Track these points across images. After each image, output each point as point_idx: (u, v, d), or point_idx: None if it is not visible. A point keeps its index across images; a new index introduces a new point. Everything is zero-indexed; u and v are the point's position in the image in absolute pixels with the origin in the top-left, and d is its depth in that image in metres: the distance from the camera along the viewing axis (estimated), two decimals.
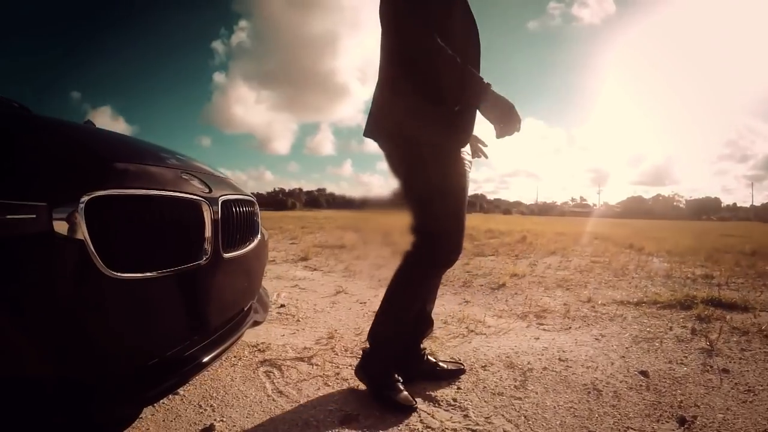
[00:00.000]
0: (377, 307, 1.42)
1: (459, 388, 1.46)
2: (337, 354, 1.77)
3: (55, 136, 1.04)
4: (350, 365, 1.60)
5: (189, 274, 1.00)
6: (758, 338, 2.01)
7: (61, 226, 0.75)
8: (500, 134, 1.27)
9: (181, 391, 1.38)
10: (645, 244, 6.81)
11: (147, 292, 0.90)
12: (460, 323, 2.25)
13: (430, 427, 1.22)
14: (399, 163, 1.33)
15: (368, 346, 1.42)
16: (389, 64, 1.31)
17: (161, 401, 1.30)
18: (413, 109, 1.26)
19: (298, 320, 2.30)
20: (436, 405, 1.35)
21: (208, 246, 1.06)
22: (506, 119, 1.24)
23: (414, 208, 1.32)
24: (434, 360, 1.56)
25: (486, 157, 1.55)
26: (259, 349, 1.79)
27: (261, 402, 1.36)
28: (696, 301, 2.62)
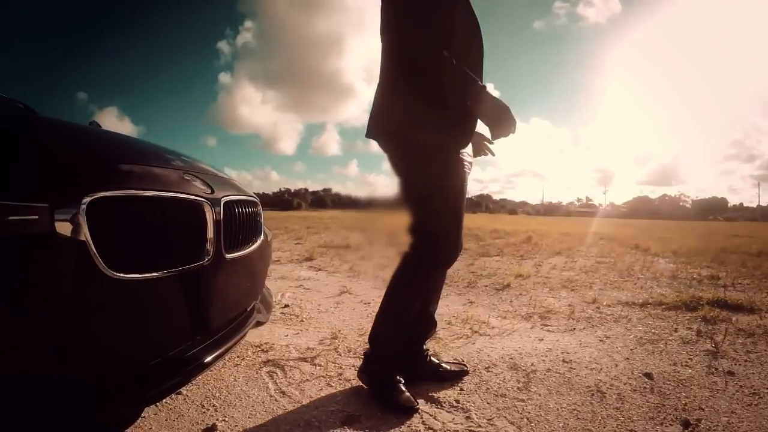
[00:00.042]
0: None
1: (462, 390, 1.46)
2: (340, 354, 1.77)
3: (57, 138, 1.05)
4: (353, 366, 1.60)
5: (191, 274, 1.01)
6: (764, 340, 1.99)
7: (63, 227, 0.75)
8: (495, 136, 1.27)
9: (183, 390, 1.39)
10: (651, 245, 6.77)
11: (149, 292, 0.91)
12: (464, 324, 2.25)
13: (431, 429, 1.22)
14: (398, 163, 1.33)
15: (369, 347, 1.42)
16: (389, 64, 1.31)
17: (164, 401, 1.30)
18: (413, 109, 1.26)
19: (302, 320, 2.31)
20: (439, 406, 1.35)
21: (210, 247, 1.07)
22: (501, 121, 1.23)
23: (413, 208, 1.32)
24: (437, 361, 1.55)
25: (493, 154, 1.54)
26: (262, 349, 1.79)
27: (263, 402, 1.36)
28: (701, 302, 2.60)
